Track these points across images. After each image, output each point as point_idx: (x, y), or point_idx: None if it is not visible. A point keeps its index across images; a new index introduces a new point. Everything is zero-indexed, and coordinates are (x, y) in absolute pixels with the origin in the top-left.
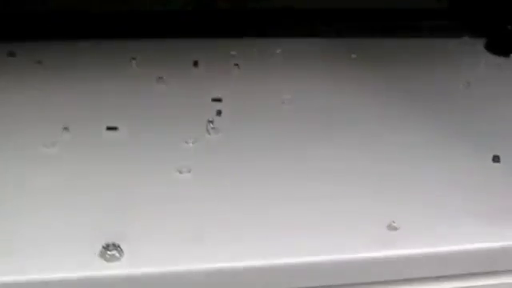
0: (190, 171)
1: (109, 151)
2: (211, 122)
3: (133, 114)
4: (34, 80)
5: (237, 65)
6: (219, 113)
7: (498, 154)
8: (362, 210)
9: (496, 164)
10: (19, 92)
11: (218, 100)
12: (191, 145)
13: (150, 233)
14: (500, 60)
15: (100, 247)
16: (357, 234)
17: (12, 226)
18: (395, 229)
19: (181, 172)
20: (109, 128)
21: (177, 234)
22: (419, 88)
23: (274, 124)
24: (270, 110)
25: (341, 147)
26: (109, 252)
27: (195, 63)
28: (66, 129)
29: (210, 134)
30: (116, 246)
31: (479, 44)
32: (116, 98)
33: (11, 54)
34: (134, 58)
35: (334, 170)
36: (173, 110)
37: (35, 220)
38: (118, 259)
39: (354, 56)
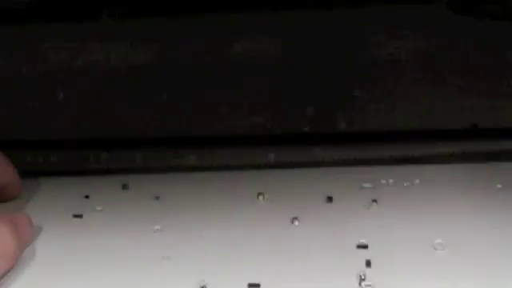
0: None
1: None
2: (363, 279)
3: (272, 264)
4: (152, 220)
5: (375, 201)
6: (368, 263)
7: None
8: None
9: None
10: (140, 237)
11: (364, 247)
12: None
13: None
14: None
15: None
16: None
17: None
18: None
19: None
20: (251, 285)
21: None
22: None
23: (431, 274)
24: (422, 257)
25: None
26: None
27: (329, 199)
28: None
29: None
30: None
31: None
32: (249, 244)
33: (125, 187)
34: (260, 193)
35: None
36: (315, 260)
37: None
38: None
39: (499, 186)
